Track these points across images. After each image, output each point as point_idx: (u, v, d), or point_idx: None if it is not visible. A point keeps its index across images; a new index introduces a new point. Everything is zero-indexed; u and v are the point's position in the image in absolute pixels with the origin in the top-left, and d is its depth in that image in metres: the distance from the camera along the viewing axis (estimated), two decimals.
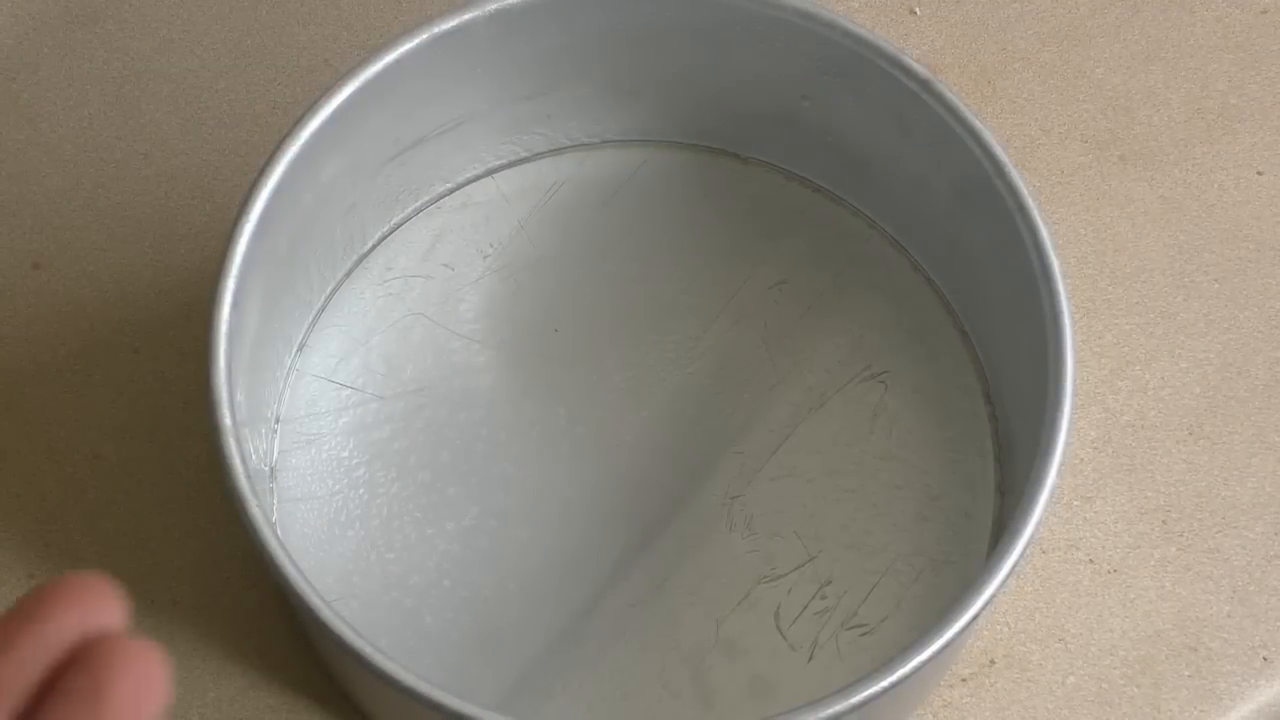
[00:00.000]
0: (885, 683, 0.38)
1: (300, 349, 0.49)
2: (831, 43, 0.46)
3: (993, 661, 0.47)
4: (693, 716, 0.45)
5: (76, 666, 0.26)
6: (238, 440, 0.40)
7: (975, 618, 0.39)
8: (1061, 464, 0.41)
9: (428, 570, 0.46)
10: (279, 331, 0.47)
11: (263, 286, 0.44)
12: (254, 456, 0.44)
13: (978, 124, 0.45)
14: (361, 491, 0.47)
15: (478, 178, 0.52)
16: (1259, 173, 0.55)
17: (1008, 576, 0.40)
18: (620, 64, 0.49)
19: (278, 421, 0.48)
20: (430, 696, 0.38)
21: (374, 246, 0.51)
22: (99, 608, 0.26)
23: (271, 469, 0.47)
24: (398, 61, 0.45)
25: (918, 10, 0.57)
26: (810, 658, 0.46)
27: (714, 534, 0.47)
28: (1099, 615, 0.48)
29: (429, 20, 0.45)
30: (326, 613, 0.39)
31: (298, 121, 0.44)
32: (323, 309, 0.50)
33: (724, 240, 0.51)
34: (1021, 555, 0.40)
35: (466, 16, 0.45)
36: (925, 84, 0.45)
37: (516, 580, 0.46)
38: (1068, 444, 0.41)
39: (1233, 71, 0.57)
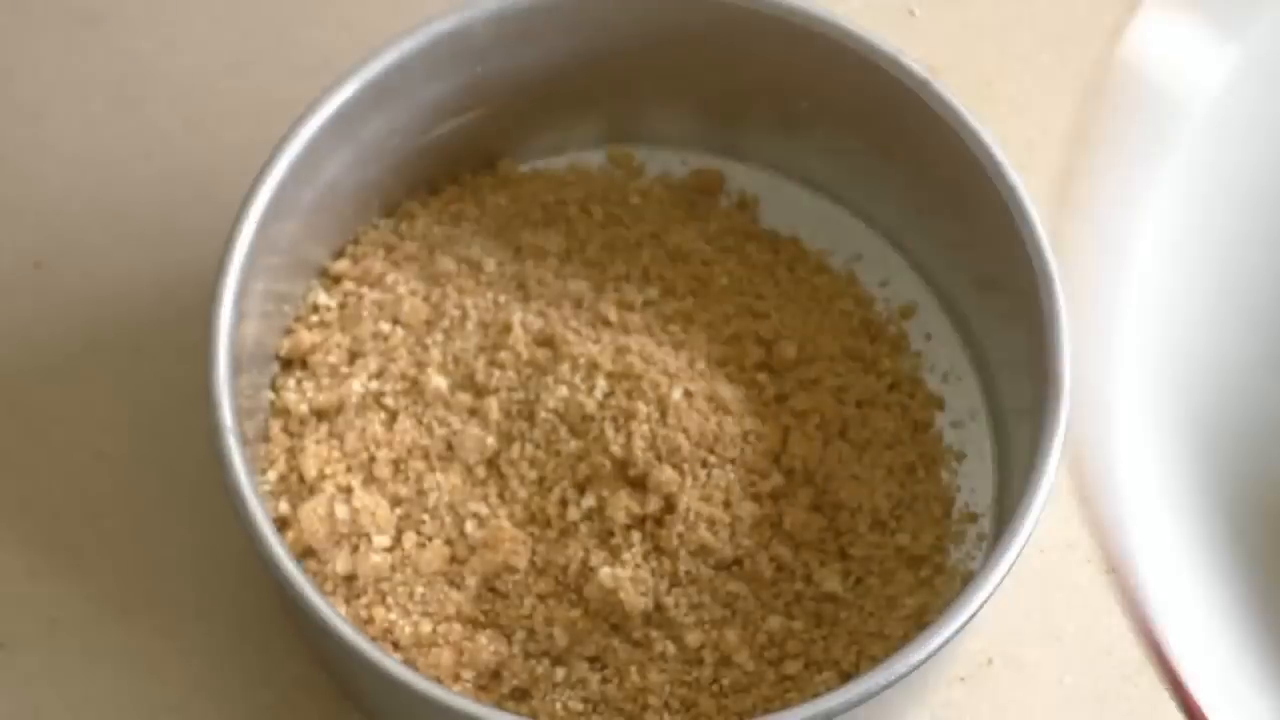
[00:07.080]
0: (883, 681, 0.38)
1: None
2: (831, 43, 0.46)
3: (991, 661, 0.47)
4: None
5: None
6: (238, 440, 0.41)
7: (973, 617, 0.39)
8: (1060, 464, 0.41)
9: None
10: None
11: (263, 286, 0.44)
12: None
13: (977, 125, 0.45)
14: None
15: None
16: None
17: (1005, 576, 0.40)
18: (621, 64, 0.49)
19: None
20: (429, 694, 0.38)
21: None
22: None
23: None
24: (398, 61, 0.45)
25: (917, 11, 0.57)
26: None
27: None
28: (1097, 614, 0.48)
29: (429, 20, 0.45)
30: (326, 612, 0.39)
31: (298, 121, 0.44)
32: None
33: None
34: (1019, 555, 0.40)
35: (466, 16, 0.46)
36: (924, 85, 0.45)
37: None
38: (1066, 444, 0.41)
39: None
